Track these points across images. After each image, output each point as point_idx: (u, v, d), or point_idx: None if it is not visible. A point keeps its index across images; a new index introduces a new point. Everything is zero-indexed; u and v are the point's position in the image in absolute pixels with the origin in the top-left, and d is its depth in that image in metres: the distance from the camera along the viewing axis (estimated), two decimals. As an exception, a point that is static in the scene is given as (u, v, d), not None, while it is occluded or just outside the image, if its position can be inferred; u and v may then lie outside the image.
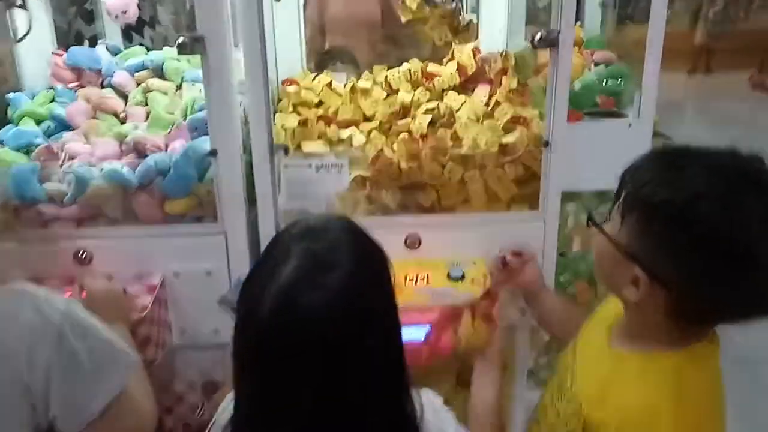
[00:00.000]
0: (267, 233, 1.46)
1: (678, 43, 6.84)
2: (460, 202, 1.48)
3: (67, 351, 0.96)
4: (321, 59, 2.05)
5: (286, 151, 1.43)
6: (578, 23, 2.02)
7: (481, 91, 1.72)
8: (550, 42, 1.31)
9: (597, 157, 1.47)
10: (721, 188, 0.83)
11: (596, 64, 1.90)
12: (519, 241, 1.42)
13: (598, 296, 1.68)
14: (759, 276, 0.83)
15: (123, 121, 1.68)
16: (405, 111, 1.69)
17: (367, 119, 1.73)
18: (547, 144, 1.41)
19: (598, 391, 0.96)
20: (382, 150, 1.45)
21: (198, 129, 1.49)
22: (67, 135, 1.59)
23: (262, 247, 1.47)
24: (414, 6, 1.82)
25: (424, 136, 1.53)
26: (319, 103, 1.78)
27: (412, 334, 1.28)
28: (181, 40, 1.23)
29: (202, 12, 1.25)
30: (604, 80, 1.82)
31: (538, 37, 1.30)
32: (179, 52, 1.25)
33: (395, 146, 1.48)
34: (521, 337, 1.60)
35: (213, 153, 1.37)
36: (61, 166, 1.47)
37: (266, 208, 1.44)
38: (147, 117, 1.66)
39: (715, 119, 6.63)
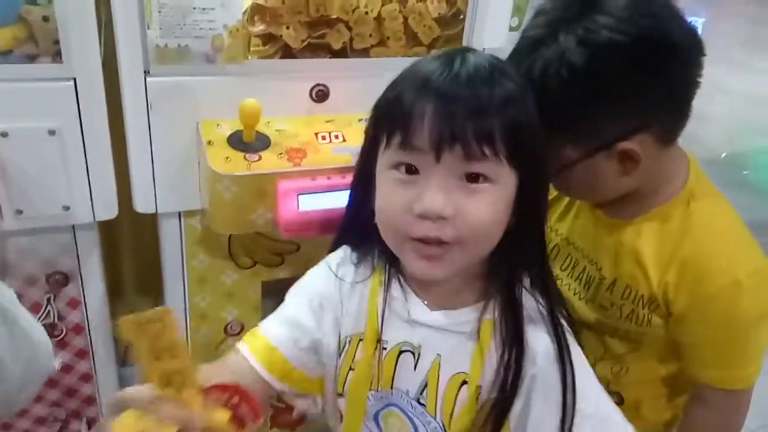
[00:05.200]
0: (132, 79, 1.11)
1: None
2: (375, 45, 1.25)
3: None
4: None
5: (157, -36, 1.06)
6: None
7: None
8: None
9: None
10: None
11: None
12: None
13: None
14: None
15: None
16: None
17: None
18: (477, -26, 1.22)
19: (658, 259, 0.90)
20: (285, -29, 1.15)
21: (14, -74, 1.04)
22: None
23: (126, 98, 1.14)
24: None
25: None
26: None
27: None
28: None
29: None
30: None
31: None
32: None
33: (297, -31, 1.17)
34: None
35: (51, -41, 0.96)
36: None
37: (131, 44, 1.08)
38: None
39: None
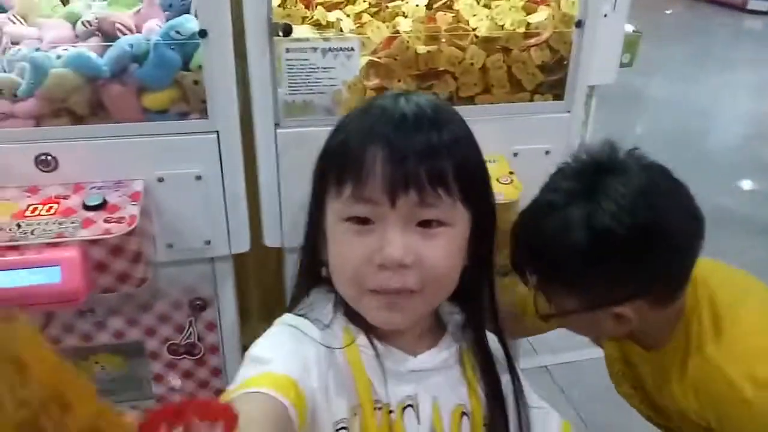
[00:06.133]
0: (264, 130, 1.27)
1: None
2: (480, 93, 1.34)
3: None
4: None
5: (287, 31, 1.21)
6: None
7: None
8: None
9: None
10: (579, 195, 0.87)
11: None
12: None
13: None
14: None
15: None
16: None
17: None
18: (579, 24, 1.28)
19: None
20: (397, 31, 1.27)
21: (172, 6, 1.24)
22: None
23: (259, 147, 1.31)
24: None
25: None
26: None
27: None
28: None
29: None
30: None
31: None
32: None
33: (410, 27, 1.29)
34: None
35: (203, 34, 1.14)
36: (2, 53, 1.19)
37: (264, 100, 1.24)
38: (96, -7, 1.37)
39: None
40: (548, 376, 2.55)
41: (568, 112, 1.37)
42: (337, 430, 0.68)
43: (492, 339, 0.78)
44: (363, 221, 0.66)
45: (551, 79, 1.34)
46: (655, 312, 0.91)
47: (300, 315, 0.73)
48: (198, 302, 1.44)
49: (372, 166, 0.64)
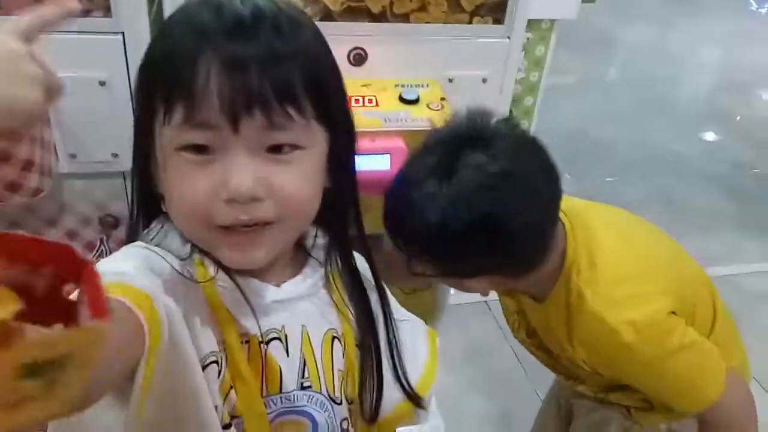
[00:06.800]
0: (177, 36, 1.16)
1: None
2: (416, 10, 1.25)
3: None
4: None
5: (202, -75, 1.09)
6: None
7: None
8: None
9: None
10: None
11: None
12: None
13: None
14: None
15: None
16: None
17: None
18: (524, -60, 1.18)
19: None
20: (326, -66, 1.16)
21: None
22: None
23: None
24: None
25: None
26: None
27: (374, 163, 1.11)
28: None
29: None
30: None
31: None
32: None
33: (340, -69, 1.18)
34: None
35: None
36: None
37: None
38: None
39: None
40: (487, 310, 2.56)
41: (508, 38, 1.29)
42: (207, 363, 0.60)
43: (359, 259, 0.73)
44: (201, 149, 0.55)
45: (492, 0, 1.25)
46: (516, 279, 0.91)
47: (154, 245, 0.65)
48: (109, 219, 1.36)
49: (205, 82, 0.52)
